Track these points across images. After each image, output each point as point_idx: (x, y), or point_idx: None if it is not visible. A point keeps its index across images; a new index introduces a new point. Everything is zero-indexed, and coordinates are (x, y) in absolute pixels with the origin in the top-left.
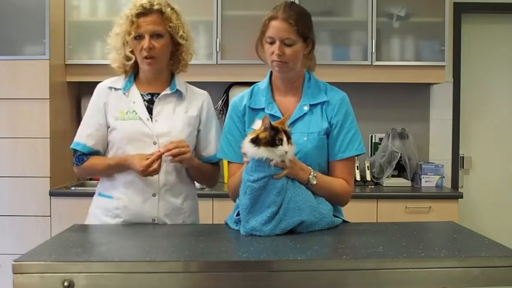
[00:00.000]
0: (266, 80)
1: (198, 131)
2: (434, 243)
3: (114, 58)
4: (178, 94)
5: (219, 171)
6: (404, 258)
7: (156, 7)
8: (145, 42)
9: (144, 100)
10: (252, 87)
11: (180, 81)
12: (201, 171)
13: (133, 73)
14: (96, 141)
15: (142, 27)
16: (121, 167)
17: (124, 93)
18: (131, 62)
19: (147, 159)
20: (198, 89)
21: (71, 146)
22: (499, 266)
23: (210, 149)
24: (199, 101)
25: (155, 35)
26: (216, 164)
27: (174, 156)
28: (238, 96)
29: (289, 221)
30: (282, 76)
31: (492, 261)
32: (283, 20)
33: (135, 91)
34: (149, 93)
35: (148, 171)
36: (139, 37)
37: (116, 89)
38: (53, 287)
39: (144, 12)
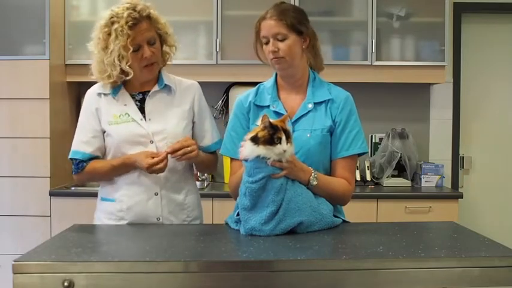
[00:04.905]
0: (272, 79)
1: (193, 123)
2: (434, 243)
3: (108, 74)
4: (168, 89)
5: (218, 158)
6: (404, 258)
7: (144, 13)
8: (145, 52)
9: (136, 100)
10: (257, 86)
11: (167, 76)
12: (204, 163)
13: None
14: (95, 147)
15: (139, 38)
16: (126, 166)
17: (114, 98)
18: (130, 76)
19: (153, 157)
20: (186, 80)
21: (70, 156)
22: (499, 266)
23: (207, 138)
24: (191, 93)
25: (151, 42)
26: (214, 153)
27: (180, 156)
28: (243, 94)
29: (289, 221)
30: (284, 73)
31: (492, 261)
32: (271, 18)
33: (124, 94)
34: (140, 93)
35: (153, 169)
36: (136, 48)
37: (105, 94)
38: (53, 287)
39: (135, 22)
